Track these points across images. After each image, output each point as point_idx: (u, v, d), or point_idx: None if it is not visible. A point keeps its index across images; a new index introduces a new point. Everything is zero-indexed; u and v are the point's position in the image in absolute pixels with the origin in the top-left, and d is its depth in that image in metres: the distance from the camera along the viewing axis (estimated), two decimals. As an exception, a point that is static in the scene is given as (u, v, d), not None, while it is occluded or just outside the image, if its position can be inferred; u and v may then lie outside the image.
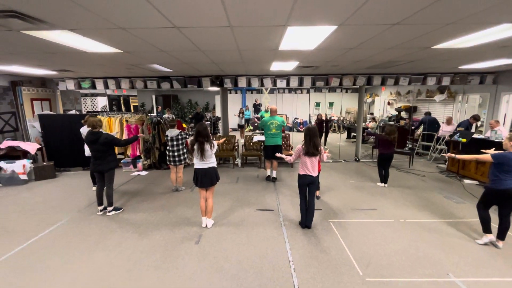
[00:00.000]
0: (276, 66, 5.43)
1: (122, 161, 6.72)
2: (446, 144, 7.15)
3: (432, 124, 7.91)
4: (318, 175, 3.55)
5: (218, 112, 10.00)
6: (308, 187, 3.53)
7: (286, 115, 14.58)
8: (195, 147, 3.46)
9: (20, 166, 5.53)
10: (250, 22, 2.54)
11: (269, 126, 5.42)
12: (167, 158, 5.04)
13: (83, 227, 3.72)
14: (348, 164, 7.16)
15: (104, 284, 2.57)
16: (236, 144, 7.22)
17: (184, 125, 8.10)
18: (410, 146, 8.28)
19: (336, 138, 10.71)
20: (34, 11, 2.17)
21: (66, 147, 6.43)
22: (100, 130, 4.03)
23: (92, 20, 2.39)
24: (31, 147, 6.20)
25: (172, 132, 4.91)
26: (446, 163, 6.55)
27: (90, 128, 3.98)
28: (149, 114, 7.14)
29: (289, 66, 5.40)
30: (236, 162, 6.97)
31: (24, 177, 5.57)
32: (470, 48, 3.76)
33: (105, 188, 4.11)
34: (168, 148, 4.99)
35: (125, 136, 6.59)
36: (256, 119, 12.27)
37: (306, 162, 3.43)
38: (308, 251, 3.09)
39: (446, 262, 2.87)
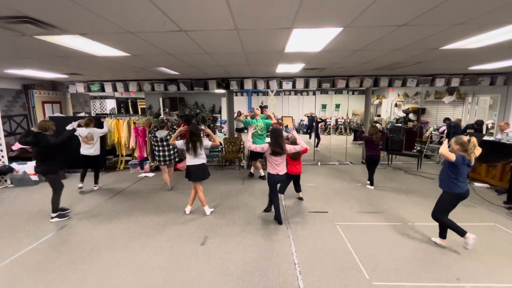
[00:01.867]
0: (282, 68, 5.44)
1: (129, 162, 6.81)
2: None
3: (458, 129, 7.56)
4: (285, 174, 3.70)
5: (224, 115, 10.04)
6: (278, 185, 3.78)
7: (292, 117, 14.55)
8: (190, 145, 3.86)
9: (32, 167, 5.65)
10: (256, 25, 2.56)
11: (255, 128, 5.58)
12: (157, 159, 5.18)
13: (91, 227, 3.78)
14: (355, 167, 7.09)
15: (111, 284, 2.60)
16: (242, 146, 7.24)
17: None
18: (419, 148, 8.16)
19: (342, 140, 10.63)
20: (47, 17, 2.24)
21: (76, 149, 6.54)
22: (47, 134, 3.84)
23: (102, 24, 2.44)
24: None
25: (161, 134, 5.09)
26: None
27: (39, 130, 3.81)
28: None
29: (295, 68, 5.40)
30: (242, 164, 6.99)
31: (35, 178, 5.70)
32: (480, 49, 3.69)
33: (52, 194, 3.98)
34: (157, 149, 5.14)
35: (132, 138, 6.69)
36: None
37: (273, 161, 3.59)
38: (313, 253, 3.07)
39: (455, 267, 2.81)
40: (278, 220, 3.78)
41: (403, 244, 3.26)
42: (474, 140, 2.82)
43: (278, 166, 3.59)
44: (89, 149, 5.15)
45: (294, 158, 4.28)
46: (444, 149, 2.89)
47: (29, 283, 2.63)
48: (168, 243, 3.34)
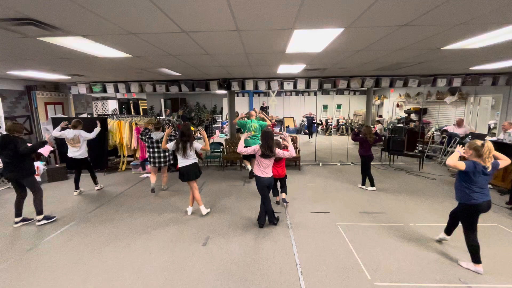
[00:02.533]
0: (283, 69, 5.44)
1: (131, 163, 6.84)
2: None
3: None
4: (272, 177, 3.65)
5: (225, 115, 10.04)
6: (267, 189, 3.67)
7: (293, 117, 14.56)
8: (180, 145, 3.84)
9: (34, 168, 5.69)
10: (257, 26, 2.57)
11: (249, 128, 5.61)
12: (152, 160, 5.07)
13: (93, 228, 3.80)
14: (357, 167, 7.06)
15: (113, 284, 2.62)
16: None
17: (192, 128, 8.19)
18: (420, 148, 8.13)
19: (344, 141, 10.61)
20: (50, 19, 2.26)
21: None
22: (17, 135, 3.68)
23: (104, 26, 2.46)
24: (45, 149, 6.37)
25: (157, 135, 5.01)
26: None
27: (7, 132, 3.67)
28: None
29: (296, 68, 5.41)
30: (243, 165, 6.99)
31: (37, 178, 5.72)
32: (482, 49, 3.68)
33: (32, 197, 3.86)
34: (152, 150, 5.05)
35: (134, 139, 6.71)
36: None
37: (261, 163, 3.55)
38: (315, 254, 3.07)
39: (457, 267, 2.80)
40: (269, 221, 3.74)
41: (405, 244, 3.25)
42: (489, 144, 2.55)
43: (266, 169, 3.56)
44: (75, 152, 5.00)
45: (276, 160, 3.98)
46: (451, 160, 2.63)
47: (32, 283, 2.65)
48: (169, 243, 3.35)
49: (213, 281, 2.64)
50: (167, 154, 5.21)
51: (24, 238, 3.53)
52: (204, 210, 4.14)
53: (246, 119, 5.80)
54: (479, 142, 2.60)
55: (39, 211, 3.87)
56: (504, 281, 2.60)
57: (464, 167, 2.58)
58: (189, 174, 3.97)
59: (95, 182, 5.45)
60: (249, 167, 5.98)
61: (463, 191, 2.69)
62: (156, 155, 5.07)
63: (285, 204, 4.47)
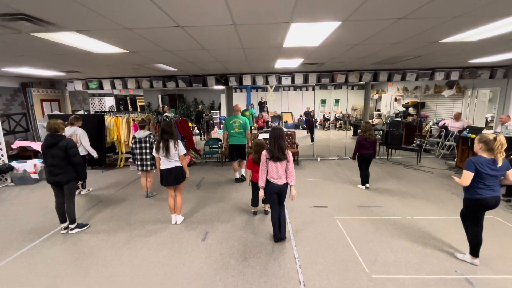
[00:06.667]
0: (281, 64, 5.41)
1: (129, 160, 6.82)
2: (454, 140, 7.03)
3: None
4: (287, 183, 3.08)
5: (224, 111, 10.00)
6: (277, 196, 3.15)
7: (291, 112, 14.53)
8: (161, 144, 3.47)
9: (32, 166, 5.67)
10: (253, 20, 2.54)
11: (232, 125, 5.27)
12: (136, 163, 4.62)
13: (92, 224, 3.80)
14: (354, 162, 7.08)
15: (113, 280, 2.63)
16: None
17: (190, 124, 8.17)
18: (418, 142, 8.16)
19: (342, 135, 10.63)
20: (43, 14, 2.22)
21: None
22: (62, 133, 3.44)
23: (98, 21, 2.42)
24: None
25: (140, 134, 4.52)
26: (455, 160, 6.44)
27: (49, 132, 3.37)
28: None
29: (294, 63, 5.38)
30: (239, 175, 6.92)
31: (35, 176, 5.71)
32: (479, 42, 3.67)
33: (64, 203, 3.51)
34: (135, 151, 4.57)
35: (132, 136, 6.68)
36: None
37: (272, 168, 3.00)
38: (313, 248, 3.10)
39: (454, 259, 2.83)
40: (276, 237, 3.22)
41: (402, 237, 3.28)
42: (501, 138, 2.40)
43: (279, 175, 3.00)
44: None
45: (258, 163, 3.43)
46: (458, 180, 2.61)
47: (32, 280, 2.66)
48: (168, 239, 3.36)
49: (213, 275, 2.66)
50: (151, 156, 4.60)
51: (22, 235, 3.53)
52: (179, 219, 3.80)
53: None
54: (491, 136, 2.44)
55: (73, 219, 3.57)
56: (499, 272, 2.63)
57: (472, 174, 2.47)
58: (168, 179, 3.53)
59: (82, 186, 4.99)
60: (237, 174, 5.54)
61: (469, 186, 2.57)
62: (139, 157, 4.56)
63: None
